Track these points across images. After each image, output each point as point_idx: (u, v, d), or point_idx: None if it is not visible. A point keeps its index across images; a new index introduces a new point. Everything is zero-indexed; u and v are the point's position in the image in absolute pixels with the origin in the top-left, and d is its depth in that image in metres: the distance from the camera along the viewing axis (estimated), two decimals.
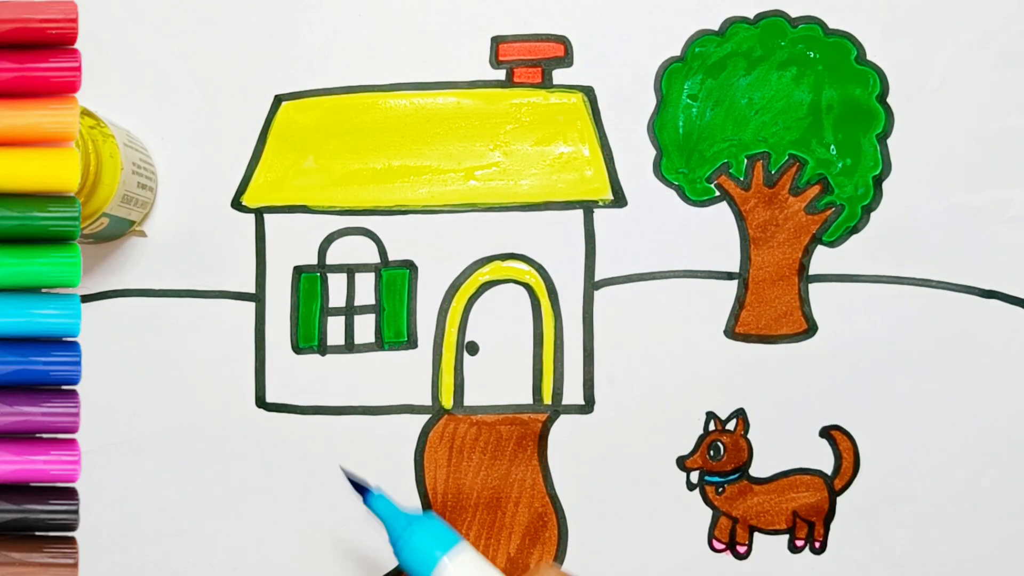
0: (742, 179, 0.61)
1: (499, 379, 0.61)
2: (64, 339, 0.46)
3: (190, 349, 0.61)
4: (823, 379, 0.61)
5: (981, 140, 0.61)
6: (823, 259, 0.61)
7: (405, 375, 0.61)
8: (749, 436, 0.61)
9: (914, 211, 0.61)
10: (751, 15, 0.61)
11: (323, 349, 0.61)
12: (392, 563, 0.60)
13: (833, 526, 0.61)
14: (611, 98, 0.61)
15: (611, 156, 0.61)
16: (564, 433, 0.61)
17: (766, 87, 0.61)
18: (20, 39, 0.41)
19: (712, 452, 0.61)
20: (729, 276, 0.61)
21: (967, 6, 0.60)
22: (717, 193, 0.61)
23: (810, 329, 0.61)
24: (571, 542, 0.61)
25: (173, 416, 0.61)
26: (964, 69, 0.61)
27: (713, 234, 0.61)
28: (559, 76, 0.61)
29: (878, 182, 0.61)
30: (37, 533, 0.45)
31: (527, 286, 0.61)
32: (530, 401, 0.61)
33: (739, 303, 0.61)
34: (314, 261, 0.61)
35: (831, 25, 0.61)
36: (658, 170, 0.61)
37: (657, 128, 0.61)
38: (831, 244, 0.61)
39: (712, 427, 0.61)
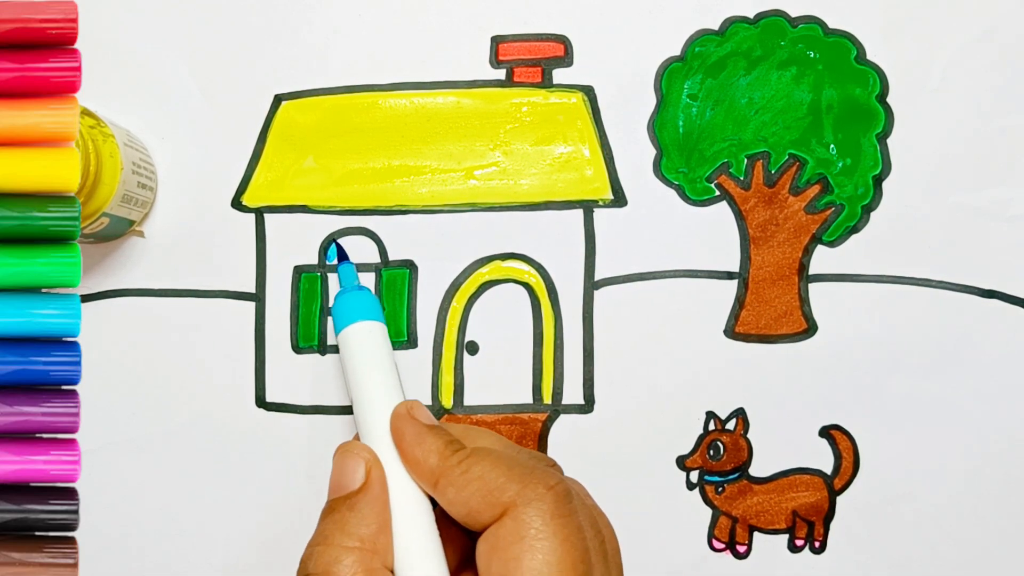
0: (742, 179, 0.61)
1: (499, 379, 0.61)
2: (64, 339, 0.46)
3: (190, 349, 0.61)
4: (823, 379, 0.61)
5: (981, 140, 0.61)
6: (823, 259, 0.61)
7: (405, 375, 0.61)
8: (749, 436, 0.61)
9: (914, 211, 0.61)
10: (751, 15, 0.61)
11: (323, 349, 0.61)
12: None
13: (833, 526, 0.61)
14: (611, 98, 0.61)
15: (611, 156, 0.61)
16: (564, 433, 0.61)
17: (766, 87, 0.61)
18: (20, 39, 0.41)
19: (712, 452, 0.61)
20: (729, 276, 0.61)
21: (967, 6, 0.60)
22: (717, 193, 0.61)
23: (810, 329, 0.61)
24: None
25: (173, 416, 0.61)
26: (964, 69, 0.61)
27: (713, 234, 0.61)
28: (559, 76, 0.61)
29: (878, 182, 0.61)
30: (37, 533, 0.46)
31: (527, 286, 0.61)
32: (530, 401, 0.61)
33: (739, 303, 0.61)
34: (314, 261, 0.61)
35: (831, 25, 0.61)
36: (658, 170, 0.61)
37: (657, 128, 0.61)
38: (831, 244, 0.61)
39: (712, 427, 0.61)
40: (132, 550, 0.61)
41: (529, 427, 0.61)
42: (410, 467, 0.53)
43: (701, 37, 0.61)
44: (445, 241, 0.61)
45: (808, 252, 0.61)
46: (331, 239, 0.60)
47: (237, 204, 0.61)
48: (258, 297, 0.61)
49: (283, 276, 0.61)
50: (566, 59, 0.61)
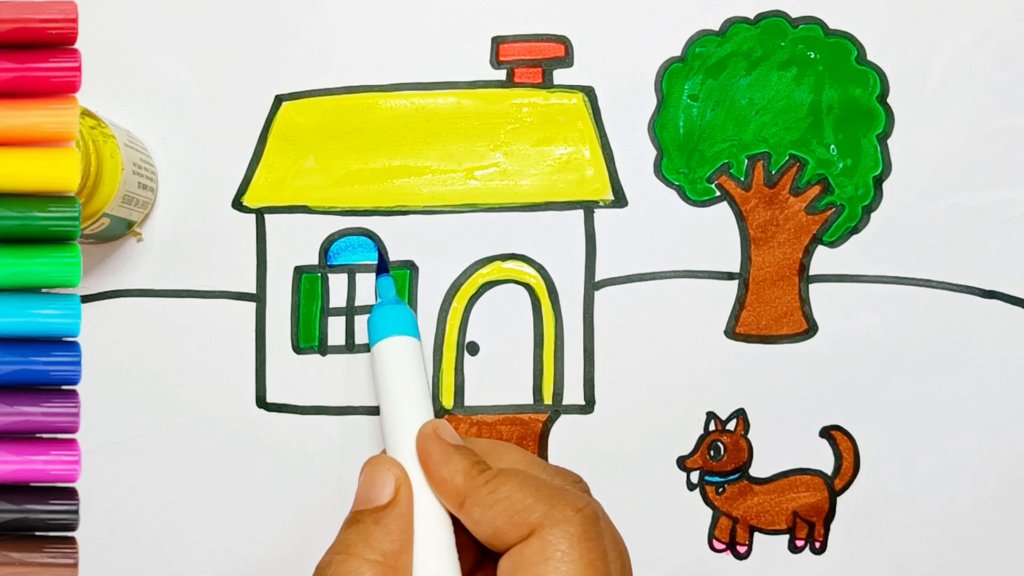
0: (743, 179, 0.61)
1: (499, 379, 0.61)
2: (64, 339, 0.46)
3: (190, 349, 0.61)
4: (823, 379, 0.61)
5: (981, 140, 0.61)
6: (823, 259, 0.61)
7: None
8: (749, 436, 0.61)
9: (914, 211, 0.61)
10: (751, 15, 0.61)
11: (323, 349, 0.61)
12: None
13: (833, 526, 0.61)
14: (611, 98, 0.61)
15: (611, 156, 0.61)
16: (564, 433, 0.61)
17: (766, 87, 0.61)
18: (20, 39, 0.41)
19: (712, 452, 0.61)
20: (729, 276, 0.61)
21: (967, 6, 0.60)
22: (717, 193, 0.61)
23: (810, 329, 0.61)
24: None
25: (173, 416, 0.61)
26: (964, 69, 0.61)
27: (713, 234, 0.61)
28: (559, 76, 0.61)
29: (878, 182, 0.61)
30: (37, 533, 0.46)
31: (527, 286, 0.61)
32: (530, 401, 0.61)
33: (739, 303, 0.61)
34: (315, 261, 0.61)
35: (831, 25, 0.61)
36: (658, 170, 0.61)
37: (657, 128, 0.61)
38: (831, 244, 0.61)
39: (712, 427, 0.61)
40: (132, 550, 0.61)
41: (529, 427, 0.61)
42: (436, 487, 0.52)
43: (701, 38, 0.61)
44: (446, 242, 0.61)
45: (808, 252, 0.61)
46: (375, 246, 0.60)
47: (237, 204, 0.61)
48: (258, 297, 0.61)
49: (283, 276, 0.61)
50: (566, 60, 0.61)
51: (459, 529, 0.52)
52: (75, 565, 0.45)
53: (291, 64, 0.61)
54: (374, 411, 0.61)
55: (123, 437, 0.60)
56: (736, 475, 0.61)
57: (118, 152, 0.54)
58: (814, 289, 0.61)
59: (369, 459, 0.54)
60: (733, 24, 0.61)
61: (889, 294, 0.61)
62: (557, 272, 0.61)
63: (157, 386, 0.61)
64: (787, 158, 0.61)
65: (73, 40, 0.42)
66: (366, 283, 0.61)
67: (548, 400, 0.61)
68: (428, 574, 0.51)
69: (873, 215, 0.61)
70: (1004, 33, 0.61)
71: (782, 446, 0.61)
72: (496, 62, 0.61)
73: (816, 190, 0.61)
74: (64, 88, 0.42)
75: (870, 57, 0.61)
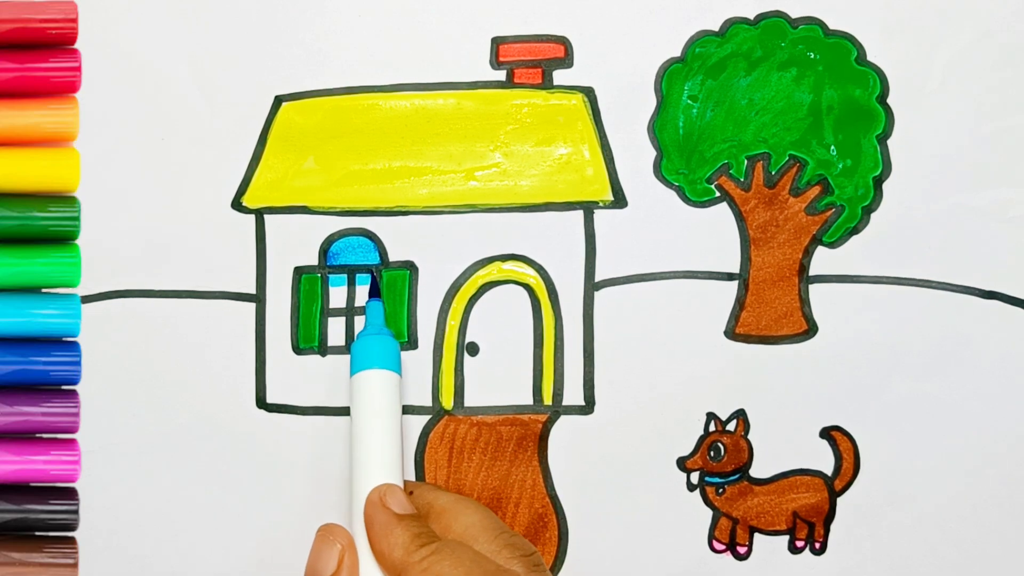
0: (742, 180, 0.61)
1: (499, 380, 0.61)
2: (64, 339, 0.46)
3: (190, 350, 0.61)
4: (823, 379, 0.61)
5: (981, 140, 0.61)
6: (823, 260, 0.61)
7: (405, 376, 0.61)
8: (749, 437, 0.61)
9: (914, 211, 0.61)
10: (751, 16, 0.61)
11: (323, 349, 0.61)
12: None
13: (833, 527, 0.61)
14: (611, 99, 0.61)
15: (611, 157, 0.61)
16: (564, 434, 0.61)
17: (766, 88, 0.61)
18: (20, 39, 0.41)
19: (712, 453, 0.61)
20: (729, 277, 0.61)
21: (967, 6, 0.60)
22: (717, 194, 0.61)
23: (810, 329, 0.61)
24: (571, 543, 0.61)
25: (173, 416, 0.61)
26: (964, 69, 0.61)
27: (713, 235, 0.61)
28: (559, 77, 0.61)
29: (878, 183, 0.61)
30: (37, 533, 0.46)
31: (527, 287, 0.61)
32: (530, 402, 0.61)
33: (739, 304, 0.61)
34: (314, 262, 0.61)
35: (831, 26, 0.61)
36: (658, 171, 0.61)
37: (657, 129, 0.61)
38: (831, 245, 0.61)
39: (712, 428, 0.61)
40: (132, 550, 0.60)
41: (529, 428, 0.61)
42: (376, 558, 0.54)
43: (701, 38, 0.61)
44: (445, 242, 0.61)
45: (808, 253, 0.61)
46: (370, 270, 0.60)
47: (237, 205, 0.61)
48: (258, 298, 0.61)
49: (283, 277, 0.61)
50: (566, 60, 0.61)
51: None
52: (75, 565, 0.45)
53: (291, 64, 0.61)
54: None
55: (123, 437, 0.60)
56: (736, 476, 0.61)
57: None
58: (814, 290, 0.61)
59: (321, 527, 0.56)
60: (733, 24, 0.61)
61: (889, 295, 0.61)
62: (557, 273, 0.61)
63: (157, 386, 0.60)
64: (787, 158, 0.61)
65: (73, 40, 0.42)
66: (366, 283, 0.61)
67: (548, 401, 0.61)
68: None
69: (873, 215, 0.61)
70: (1004, 33, 0.61)
71: (782, 447, 0.61)
72: (496, 63, 0.61)
73: (816, 191, 0.61)
74: (64, 88, 0.42)
75: (870, 57, 0.61)
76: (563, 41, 0.61)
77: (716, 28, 0.61)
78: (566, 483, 0.61)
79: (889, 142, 0.61)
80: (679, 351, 0.61)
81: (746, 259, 0.61)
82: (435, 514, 0.57)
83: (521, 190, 0.61)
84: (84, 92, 0.55)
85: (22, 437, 0.46)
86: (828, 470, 0.61)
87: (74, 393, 0.46)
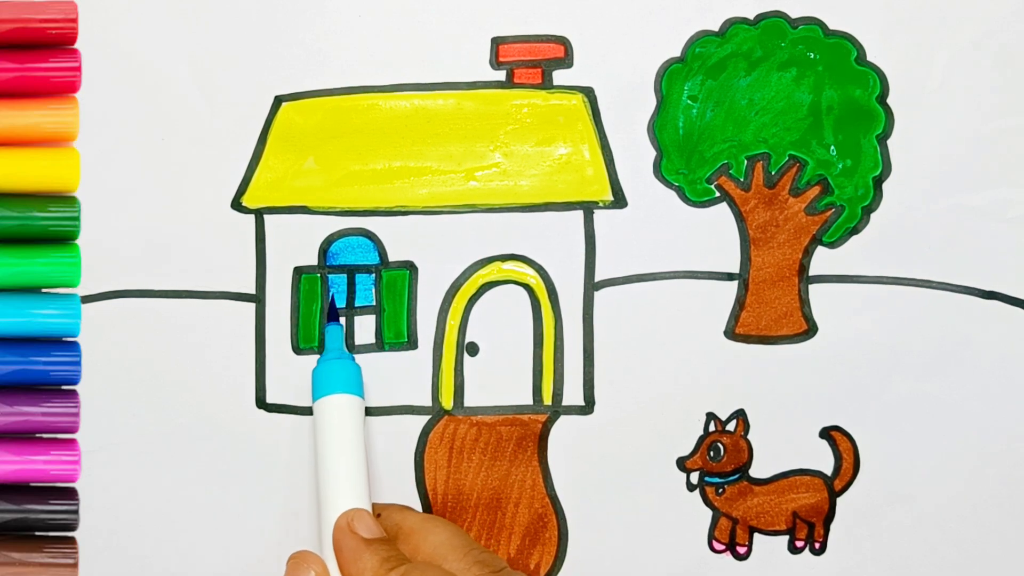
0: (742, 180, 0.61)
1: (499, 380, 0.61)
2: (64, 339, 0.46)
3: (190, 350, 0.61)
4: (823, 379, 0.61)
5: (981, 140, 0.61)
6: (823, 260, 0.61)
7: (405, 376, 0.61)
8: (749, 437, 0.61)
9: (914, 211, 0.61)
10: (751, 16, 0.61)
11: (323, 350, 0.61)
12: None
13: (833, 527, 0.61)
14: (611, 99, 0.61)
15: (611, 157, 0.61)
16: (564, 434, 0.61)
17: (766, 88, 0.61)
18: (20, 39, 0.41)
19: (712, 453, 0.61)
20: (729, 277, 0.61)
21: (967, 6, 0.60)
22: (717, 194, 0.61)
23: (810, 330, 0.61)
24: (571, 543, 0.61)
25: (173, 416, 0.61)
26: (964, 69, 0.61)
27: (713, 235, 0.61)
28: (559, 77, 0.61)
29: (878, 183, 0.61)
30: (37, 533, 0.46)
31: (527, 287, 0.61)
32: (530, 402, 0.61)
33: (739, 304, 0.61)
34: (314, 262, 0.61)
35: (831, 26, 0.61)
36: (658, 171, 0.61)
37: (657, 129, 0.61)
38: (831, 245, 0.61)
39: (712, 428, 0.61)
40: (132, 550, 0.60)
41: (529, 428, 0.61)
42: None
43: (701, 38, 0.61)
44: (445, 242, 0.61)
45: (808, 253, 0.61)
46: (331, 295, 0.61)
47: (237, 205, 0.61)
48: (258, 298, 0.61)
49: (283, 277, 0.61)
50: (566, 60, 0.61)
51: None
52: (75, 565, 0.45)
53: (291, 64, 0.61)
54: (374, 412, 0.61)
55: (123, 437, 0.60)
56: (736, 476, 0.61)
57: None
58: (814, 290, 0.61)
59: (292, 555, 0.57)
60: (733, 25, 0.61)
61: (889, 295, 0.61)
62: (557, 273, 0.61)
63: (157, 386, 0.60)
64: (787, 159, 0.61)
65: (73, 40, 0.42)
66: (366, 283, 0.61)
67: (548, 401, 0.61)
68: None
69: (873, 216, 0.61)
70: (1004, 33, 0.61)
71: (782, 447, 0.61)
72: (496, 63, 0.61)
73: (816, 191, 0.61)
74: (64, 88, 0.42)
75: (870, 57, 0.61)
76: (563, 41, 0.61)
77: (716, 28, 0.61)
78: (566, 483, 0.61)
79: (889, 142, 0.61)
80: (679, 351, 0.61)
81: (746, 259, 0.61)
82: (404, 535, 0.57)
83: (521, 190, 0.61)
84: (84, 92, 0.55)
85: (22, 437, 0.46)
86: (828, 470, 0.61)
87: (74, 393, 0.46)
